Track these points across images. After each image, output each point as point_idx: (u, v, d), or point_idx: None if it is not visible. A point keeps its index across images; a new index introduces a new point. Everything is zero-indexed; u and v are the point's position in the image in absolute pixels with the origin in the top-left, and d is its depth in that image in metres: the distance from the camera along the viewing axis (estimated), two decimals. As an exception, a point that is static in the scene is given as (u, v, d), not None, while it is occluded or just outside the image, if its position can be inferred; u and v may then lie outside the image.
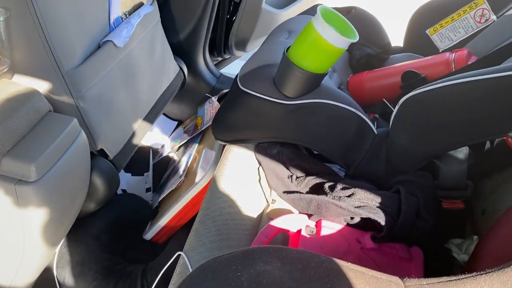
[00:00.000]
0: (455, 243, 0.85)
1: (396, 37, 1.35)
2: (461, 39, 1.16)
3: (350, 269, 0.49)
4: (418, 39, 1.22)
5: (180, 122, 1.59)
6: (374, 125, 0.92)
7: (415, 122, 0.83)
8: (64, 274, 0.99)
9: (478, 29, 1.15)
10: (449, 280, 0.50)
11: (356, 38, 0.79)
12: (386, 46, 1.25)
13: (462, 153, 0.82)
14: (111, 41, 0.98)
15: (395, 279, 0.52)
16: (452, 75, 0.78)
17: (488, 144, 0.85)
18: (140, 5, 1.12)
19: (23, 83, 0.83)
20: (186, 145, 1.40)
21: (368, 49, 1.20)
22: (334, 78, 1.14)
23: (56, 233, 0.87)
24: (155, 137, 1.52)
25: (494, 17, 1.13)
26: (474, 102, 0.75)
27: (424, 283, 0.51)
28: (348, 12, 1.25)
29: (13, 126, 0.74)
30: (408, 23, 1.27)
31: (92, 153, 0.95)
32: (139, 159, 1.42)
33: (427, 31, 1.18)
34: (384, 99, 1.07)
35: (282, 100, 0.86)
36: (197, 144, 1.31)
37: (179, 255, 0.76)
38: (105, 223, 1.08)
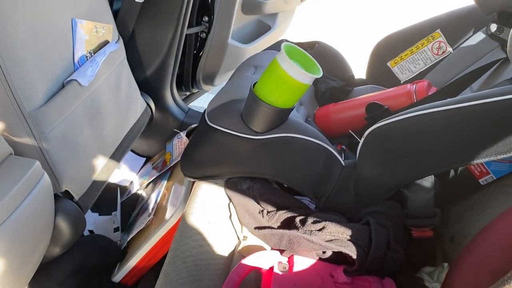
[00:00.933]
0: (426, 272, 0.86)
1: (360, 70, 1.40)
2: (421, 70, 1.21)
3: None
4: (380, 71, 1.27)
5: (148, 158, 1.57)
6: (341, 156, 0.93)
7: (381, 153, 0.85)
8: (26, 326, 0.93)
9: (436, 60, 1.21)
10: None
11: (320, 74, 0.81)
12: (350, 78, 1.29)
13: (428, 181, 0.84)
14: (76, 80, 0.96)
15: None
16: (414, 106, 0.81)
17: (452, 172, 0.88)
18: (106, 43, 1.11)
19: (-18, 125, 0.80)
20: (155, 182, 1.37)
21: (332, 82, 1.24)
22: (301, 111, 1.15)
23: (16, 282, 0.82)
24: (123, 174, 1.49)
25: (450, 49, 1.19)
26: (435, 132, 0.77)
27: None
28: (312, 47, 1.29)
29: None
30: (369, 56, 1.32)
31: (56, 195, 0.91)
32: (107, 198, 1.38)
33: (388, 64, 1.23)
34: (350, 131, 1.10)
35: (251, 135, 0.87)
36: (166, 181, 1.29)
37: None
38: (71, 267, 1.03)
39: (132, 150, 1.56)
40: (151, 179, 1.37)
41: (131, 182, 1.47)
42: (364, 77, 1.34)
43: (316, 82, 1.27)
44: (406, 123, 0.79)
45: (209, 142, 0.93)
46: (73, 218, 0.95)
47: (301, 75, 0.78)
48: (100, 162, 1.08)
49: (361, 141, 0.86)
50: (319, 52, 1.27)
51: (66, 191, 0.96)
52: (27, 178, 0.77)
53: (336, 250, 0.74)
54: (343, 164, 0.90)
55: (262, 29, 1.80)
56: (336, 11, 3.81)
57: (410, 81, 1.17)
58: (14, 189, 0.73)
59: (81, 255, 1.07)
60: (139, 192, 1.41)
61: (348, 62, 1.31)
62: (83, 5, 1.00)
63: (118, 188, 1.41)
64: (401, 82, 1.24)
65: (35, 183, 0.80)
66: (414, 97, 1.04)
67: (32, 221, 0.80)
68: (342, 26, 3.44)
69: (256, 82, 0.85)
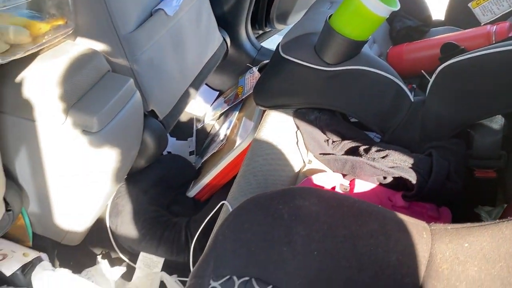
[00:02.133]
0: (485, 210, 0.88)
1: (438, 10, 1.35)
2: (504, 13, 1.15)
3: (381, 211, 0.55)
4: (460, 13, 1.22)
5: (221, 93, 1.66)
6: (411, 94, 0.95)
7: (452, 89, 0.85)
8: (116, 223, 1.09)
9: (523, 2, 1.14)
10: (473, 226, 0.55)
11: (397, 7, 0.82)
12: (427, 19, 1.26)
13: (497, 123, 0.84)
14: (162, 9, 1.05)
15: (422, 223, 0.57)
16: (492, 45, 0.80)
17: (524, 115, 0.87)
18: (189, -24, 1.18)
19: (86, 44, 0.92)
20: (227, 114, 1.46)
21: (408, 21, 1.22)
22: (374, 49, 1.16)
23: (112, 181, 0.96)
24: (198, 106, 1.60)
25: (540, -10, 1.12)
26: (510, 71, 0.77)
27: (449, 227, 0.56)
28: (391, -16, 1.26)
29: (78, 83, 0.83)
30: (450, -4, 1.27)
31: (144, 114, 1.03)
32: (183, 125, 1.51)
33: (469, 4, 1.18)
34: (422, 71, 1.10)
35: (322, 66, 0.91)
36: (237, 112, 1.38)
37: (223, 204, 0.83)
38: (153, 179, 1.17)
39: (206, 84, 1.65)
40: (223, 111, 1.47)
41: (205, 113, 1.58)
42: (443, 18, 1.30)
43: (391, 20, 1.26)
44: (482, 59, 0.79)
45: (281, 73, 0.98)
46: (157, 135, 1.07)
47: (377, 7, 0.80)
48: (181, 88, 1.18)
49: (433, 77, 0.87)
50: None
51: (152, 111, 1.07)
52: (122, 93, 0.88)
53: (396, 175, 0.79)
54: (412, 100, 0.92)
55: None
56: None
57: (491, 23, 1.13)
58: (113, 100, 0.85)
59: (162, 170, 1.20)
60: (212, 122, 1.52)
61: (427, 1, 1.28)
62: None
63: (194, 118, 1.53)
64: (481, 24, 1.19)
65: (129, 98, 0.91)
66: (494, 38, 1.01)
67: (126, 131, 0.92)
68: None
69: (331, 15, 0.88)
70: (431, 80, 0.88)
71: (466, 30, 1.09)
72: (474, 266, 0.53)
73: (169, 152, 1.38)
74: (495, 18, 1.17)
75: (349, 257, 0.53)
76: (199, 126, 1.52)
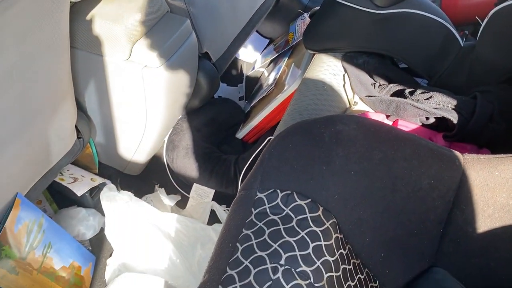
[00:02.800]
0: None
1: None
2: None
3: (416, 138, 0.59)
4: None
5: (271, 41, 1.69)
6: (462, 40, 0.94)
7: (504, 33, 0.85)
8: (172, 156, 1.20)
9: None
10: (505, 157, 0.58)
11: None
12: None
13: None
14: (218, -47, 1.08)
15: (455, 152, 0.60)
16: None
17: None
18: None
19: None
20: (276, 60, 1.50)
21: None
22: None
23: (170, 115, 1.05)
24: (248, 52, 1.64)
25: None
26: None
27: (482, 157, 0.59)
28: None
29: (141, 22, 0.90)
30: None
31: (198, 56, 1.09)
32: (234, 72, 1.56)
33: None
34: (476, 17, 1.08)
35: (372, 9, 0.92)
36: (286, 58, 1.41)
37: (270, 139, 0.89)
38: (205, 119, 1.25)
39: (257, 31, 1.69)
40: (273, 57, 1.50)
41: (255, 60, 1.62)
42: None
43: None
44: (536, 2, 0.78)
45: (331, 16, 1.01)
46: (210, 77, 1.13)
47: None
48: (234, 32, 1.23)
49: (485, 21, 0.86)
50: None
51: (206, 53, 1.14)
52: (180, 32, 0.94)
53: (438, 116, 0.81)
54: (462, 44, 0.92)
55: None
56: None
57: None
58: (172, 38, 0.92)
59: (214, 111, 1.28)
60: (261, 69, 1.56)
61: None
62: None
63: (244, 63, 1.58)
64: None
65: (185, 38, 0.97)
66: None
67: (183, 69, 0.99)
68: None
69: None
70: (483, 24, 0.87)
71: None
72: (503, 193, 0.56)
73: (220, 97, 1.45)
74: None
75: (383, 178, 0.58)
76: (249, 72, 1.58)
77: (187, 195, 1.19)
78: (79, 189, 1.07)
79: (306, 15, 1.41)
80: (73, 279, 0.98)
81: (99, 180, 1.15)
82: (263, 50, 1.66)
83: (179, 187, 1.22)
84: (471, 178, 0.57)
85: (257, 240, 0.53)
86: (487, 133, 0.80)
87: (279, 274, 0.49)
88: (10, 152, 0.76)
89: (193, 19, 1.04)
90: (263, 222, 0.55)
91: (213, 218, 1.14)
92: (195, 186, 1.19)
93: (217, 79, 1.17)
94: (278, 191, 0.58)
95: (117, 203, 0.96)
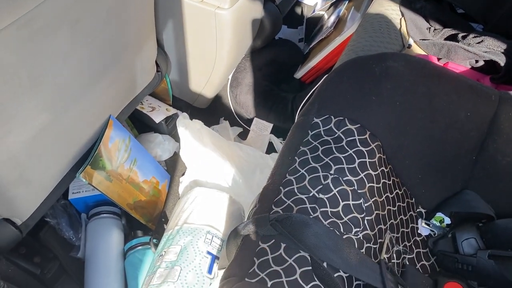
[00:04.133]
0: None
1: None
2: None
3: (457, 75, 0.67)
4: None
5: (332, -16, 1.72)
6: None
7: None
8: (236, 92, 1.32)
9: None
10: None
11: None
12: None
13: None
14: None
15: (493, 89, 0.67)
16: None
17: None
18: None
19: None
20: (336, 4, 1.55)
21: None
22: None
23: (236, 54, 1.17)
24: (309, -4, 1.69)
25: None
26: None
27: (517, 94, 0.66)
28: None
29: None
30: None
31: (263, -3, 1.18)
32: (295, 14, 1.63)
33: None
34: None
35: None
36: (346, 2, 1.46)
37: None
38: (266, 59, 1.35)
39: (319, -26, 1.72)
40: (333, 0, 1.55)
41: (316, 3, 1.67)
42: None
43: None
44: None
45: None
46: (273, 18, 1.22)
47: None
48: (297, -25, 1.29)
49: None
50: None
51: (270, -5, 1.22)
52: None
53: (487, 59, 0.87)
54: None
55: None
56: None
57: None
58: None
59: (274, 52, 1.38)
60: (321, 12, 1.62)
61: None
62: None
63: (305, 6, 1.64)
64: None
65: (253, -18, 1.06)
66: None
67: (250, 10, 1.09)
68: None
69: None
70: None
71: None
72: (533, 127, 0.64)
73: (280, 38, 1.54)
74: None
75: (425, 110, 0.67)
76: (310, 15, 1.63)
77: (248, 128, 1.33)
78: (157, 117, 1.24)
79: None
80: (152, 191, 1.16)
81: (172, 111, 1.30)
82: (324, -7, 1.70)
83: (241, 120, 1.36)
84: (505, 112, 0.64)
85: (312, 155, 0.65)
86: (533, 76, 0.85)
87: (329, 181, 0.61)
88: (107, 80, 0.91)
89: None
90: (317, 141, 0.67)
91: (270, 149, 1.27)
92: (256, 120, 1.32)
93: (279, 21, 1.26)
94: (332, 117, 0.68)
95: (191, 129, 1.11)
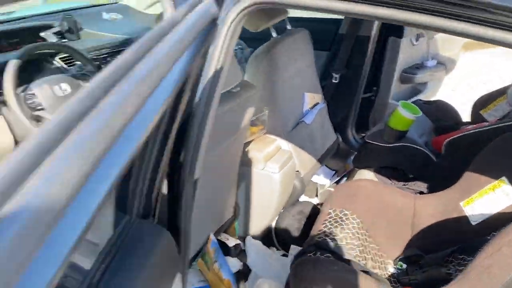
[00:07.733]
0: None
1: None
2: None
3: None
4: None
5: (336, 171, 2.59)
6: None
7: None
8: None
9: None
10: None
11: (419, 114, 1.73)
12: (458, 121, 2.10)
13: None
14: (303, 121, 2.08)
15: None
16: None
17: None
18: (317, 104, 2.22)
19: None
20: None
21: (444, 122, 2.07)
22: (422, 139, 2.03)
23: (278, 207, 1.92)
24: (320, 178, 2.53)
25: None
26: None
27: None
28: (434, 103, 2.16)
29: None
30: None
31: None
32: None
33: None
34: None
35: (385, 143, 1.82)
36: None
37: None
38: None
39: (326, 166, 2.60)
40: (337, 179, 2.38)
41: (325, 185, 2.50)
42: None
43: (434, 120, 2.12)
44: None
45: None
46: (303, 188, 2.02)
47: (408, 115, 1.72)
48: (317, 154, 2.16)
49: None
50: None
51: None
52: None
53: None
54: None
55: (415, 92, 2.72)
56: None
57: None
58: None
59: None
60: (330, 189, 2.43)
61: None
62: (310, 87, 2.14)
63: (318, 185, 2.46)
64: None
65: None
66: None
67: (289, 176, 1.90)
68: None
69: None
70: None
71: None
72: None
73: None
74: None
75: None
76: (320, 191, 2.44)
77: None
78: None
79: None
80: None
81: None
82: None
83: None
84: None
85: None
86: None
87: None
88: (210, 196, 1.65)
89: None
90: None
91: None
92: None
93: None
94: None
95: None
